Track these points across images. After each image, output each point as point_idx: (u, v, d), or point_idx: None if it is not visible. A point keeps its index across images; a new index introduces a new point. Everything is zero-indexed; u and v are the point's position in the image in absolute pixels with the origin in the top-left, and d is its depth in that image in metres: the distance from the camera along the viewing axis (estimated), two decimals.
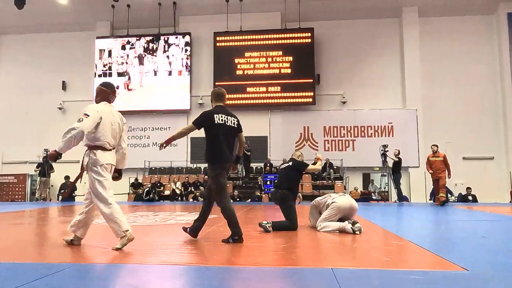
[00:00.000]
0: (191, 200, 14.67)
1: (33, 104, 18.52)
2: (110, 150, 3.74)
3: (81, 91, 18.04)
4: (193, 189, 15.21)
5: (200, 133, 4.18)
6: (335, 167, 16.12)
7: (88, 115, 3.54)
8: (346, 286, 2.36)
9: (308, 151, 15.47)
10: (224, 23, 17.28)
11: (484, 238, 4.51)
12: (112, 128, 3.74)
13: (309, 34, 17.10)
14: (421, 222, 6.82)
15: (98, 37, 18.25)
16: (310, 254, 3.67)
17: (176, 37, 17.90)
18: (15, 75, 19.03)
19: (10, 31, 19.15)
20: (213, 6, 17.46)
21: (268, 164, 15.90)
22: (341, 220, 4.95)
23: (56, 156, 3.47)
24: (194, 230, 4.20)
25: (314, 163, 5.46)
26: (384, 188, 14.08)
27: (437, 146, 11.00)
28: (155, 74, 17.92)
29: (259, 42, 17.39)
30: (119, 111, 4.00)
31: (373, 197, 14.85)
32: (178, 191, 15.32)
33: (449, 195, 13.33)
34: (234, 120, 4.18)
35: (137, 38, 18.10)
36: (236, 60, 17.37)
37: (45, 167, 14.48)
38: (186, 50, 17.81)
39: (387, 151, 13.31)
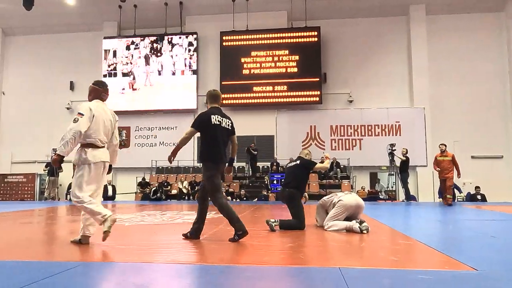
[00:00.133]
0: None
1: (42, 105, 18.70)
2: (101, 147, 3.83)
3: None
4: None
5: None
6: (342, 166, 16.06)
7: (83, 114, 3.64)
8: (354, 285, 2.34)
9: (315, 150, 15.40)
10: (230, 23, 17.29)
11: (493, 238, 4.45)
12: (105, 126, 3.84)
13: (316, 33, 17.04)
14: (429, 222, 6.77)
15: (105, 37, 18.37)
16: (317, 253, 3.66)
17: (180, 37, 17.94)
18: (24, 76, 19.22)
19: (18, 32, 19.35)
20: (219, 5, 17.47)
21: (275, 163, 15.89)
22: (348, 219, 4.94)
23: (60, 160, 3.58)
24: (194, 232, 4.19)
25: (322, 162, 5.44)
26: (392, 187, 14.00)
27: (445, 145, 10.70)
28: (160, 73, 17.96)
29: (265, 41, 17.37)
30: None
31: (380, 197, 14.76)
32: (185, 190, 15.37)
33: (457, 192, 13.18)
34: (228, 122, 4.25)
35: (142, 38, 18.18)
36: (243, 60, 17.37)
37: (53, 166, 14.60)
38: (189, 50, 17.85)
39: (395, 150, 13.22)
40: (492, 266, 2.90)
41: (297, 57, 17.11)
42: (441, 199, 10.46)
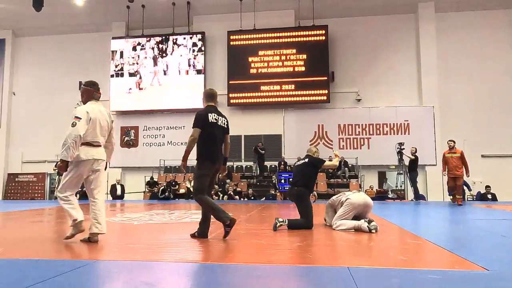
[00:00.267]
0: None
1: (51, 105, 18.88)
2: (96, 146, 3.94)
3: None
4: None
5: None
6: (350, 166, 15.98)
7: (80, 118, 3.76)
8: (363, 285, 2.33)
9: (323, 150, 15.37)
10: (237, 22, 17.30)
11: (504, 238, 4.39)
12: (101, 127, 3.96)
13: (323, 32, 16.96)
14: (439, 221, 6.70)
15: (113, 38, 18.50)
16: (326, 252, 3.64)
17: (184, 38, 17.99)
18: (33, 76, 19.44)
19: (28, 33, 19.56)
20: (227, 5, 17.49)
21: (282, 163, 15.88)
22: (356, 218, 4.91)
23: (66, 165, 3.70)
24: (201, 233, 4.21)
25: (330, 160, 5.42)
26: (400, 186, 13.90)
27: (454, 141, 10.26)
28: (165, 73, 18.05)
29: (272, 40, 17.34)
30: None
31: (388, 196, 14.67)
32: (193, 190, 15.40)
33: (466, 189, 12.98)
34: (224, 120, 4.30)
35: (147, 39, 18.27)
36: (250, 59, 17.36)
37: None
38: (193, 51, 17.90)
39: (403, 149, 13.12)
40: (503, 266, 2.86)
41: (304, 56, 17.05)
42: (450, 197, 10.19)
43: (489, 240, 4.23)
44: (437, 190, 15.28)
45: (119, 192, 15.68)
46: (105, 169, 4.12)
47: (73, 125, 3.70)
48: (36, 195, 18.07)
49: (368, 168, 16.50)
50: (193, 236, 4.25)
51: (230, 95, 17.16)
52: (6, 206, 11.48)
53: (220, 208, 4.08)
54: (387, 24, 17.22)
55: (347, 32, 17.39)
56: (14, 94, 19.59)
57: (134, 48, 18.35)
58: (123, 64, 18.37)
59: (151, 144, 17.97)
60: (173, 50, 18.07)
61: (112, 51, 18.42)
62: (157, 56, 18.16)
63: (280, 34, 17.32)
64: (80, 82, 18.84)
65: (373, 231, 4.57)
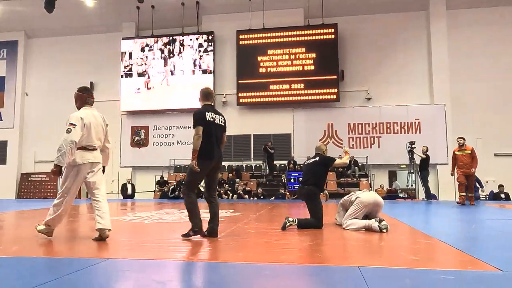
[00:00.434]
0: None
1: (63, 105, 19.05)
2: (92, 149, 4.04)
3: (108, 91, 18.43)
4: (217, 187, 15.31)
5: None
6: (360, 165, 15.88)
7: (75, 125, 3.86)
8: (374, 285, 2.31)
9: (333, 148, 15.31)
10: (246, 21, 17.29)
11: None
12: (96, 131, 4.06)
13: (333, 30, 16.86)
14: (451, 220, 6.62)
15: (124, 38, 18.64)
16: (336, 252, 3.63)
17: (191, 39, 18.04)
18: (45, 77, 19.69)
19: (40, 34, 19.82)
20: (236, 4, 17.49)
21: (292, 162, 15.84)
22: (366, 217, 4.88)
23: (59, 171, 3.83)
24: (211, 231, 4.22)
25: (340, 158, 5.39)
26: (411, 185, 13.76)
27: (463, 138, 9.98)
28: (172, 73, 18.11)
29: (282, 39, 17.29)
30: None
31: (399, 195, 14.53)
32: (202, 189, 15.41)
33: (478, 186, 12.73)
34: (221, 118, 4.38)
35: (155, 40, 18.36)
36: (259, 58, 17.34)
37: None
38: (199, 51, 17.94)
39: (414, 147, 12.98)
40: None
41: (314, 55, 16.98)
42: (462, 196, 9.94)
43: (502, 240, 4.17)
44: (449, 190, 15.05)
45: (129, 191, 15.83)
46: (103, 173, 4.20)
47: (68, 131, 3.81)
48: (48, 194, 18.31)
49: (379, 167, 16.36)
50: (203, 235, 4.27)
51: (240, 94, 17.15)
52: (19, 205, 11.68)
53: (198, 214, 4.14)
54: (398, 22, 17.05)
55: (356, 30, 17.27)
56: (26, 95, 19.89)
57: (142, 49, 18.48)
58: (132, 64, 18.51)
59: (161, 144, 18.08)
60: (180, 51, 18.14)
61: (122, 52, 18.57)
62: (167, 57, 18.26)
63: (289, 33, 17.26)
64: (91, 83, 19.08)
65: (384, 230, 4.53)
